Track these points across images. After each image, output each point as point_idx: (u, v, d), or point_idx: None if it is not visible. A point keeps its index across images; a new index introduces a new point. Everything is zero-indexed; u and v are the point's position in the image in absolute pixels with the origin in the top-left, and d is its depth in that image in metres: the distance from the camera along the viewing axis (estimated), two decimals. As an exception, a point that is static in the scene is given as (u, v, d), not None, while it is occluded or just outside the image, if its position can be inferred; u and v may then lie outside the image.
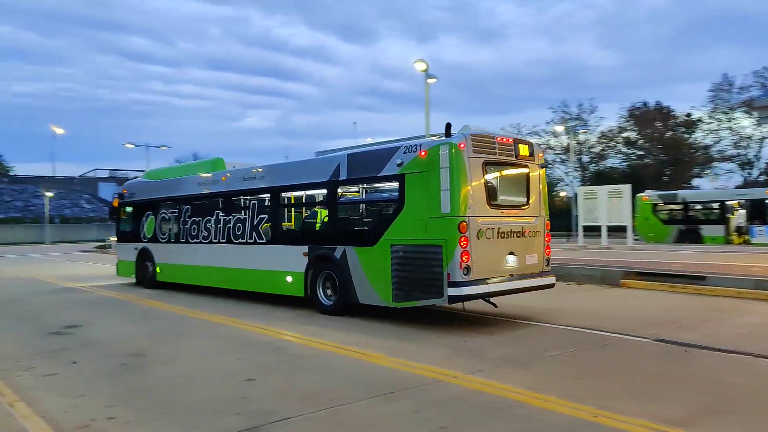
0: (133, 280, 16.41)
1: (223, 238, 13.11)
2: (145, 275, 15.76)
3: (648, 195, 32.78)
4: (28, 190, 64.74)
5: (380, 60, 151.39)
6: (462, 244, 8.38)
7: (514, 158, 9.42)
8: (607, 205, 23.84)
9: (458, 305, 9.70)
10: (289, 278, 11.25)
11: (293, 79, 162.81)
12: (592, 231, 27.02)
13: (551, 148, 60.69)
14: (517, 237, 9.27)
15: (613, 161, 61.06)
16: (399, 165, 9.28)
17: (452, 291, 8.37)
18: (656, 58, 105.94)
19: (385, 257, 9.31)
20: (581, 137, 57.60)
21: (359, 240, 10.05)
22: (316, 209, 11.59)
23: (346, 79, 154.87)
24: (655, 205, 32.08)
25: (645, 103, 59.02)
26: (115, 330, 9.43)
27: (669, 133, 57.81)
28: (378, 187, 10.40)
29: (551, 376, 6.21)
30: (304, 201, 12.00)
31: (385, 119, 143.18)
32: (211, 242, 13.47)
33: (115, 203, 17.57)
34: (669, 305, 11.23)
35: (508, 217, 9.19)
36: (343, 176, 10.37)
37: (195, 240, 14.02)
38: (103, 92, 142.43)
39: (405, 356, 7.14)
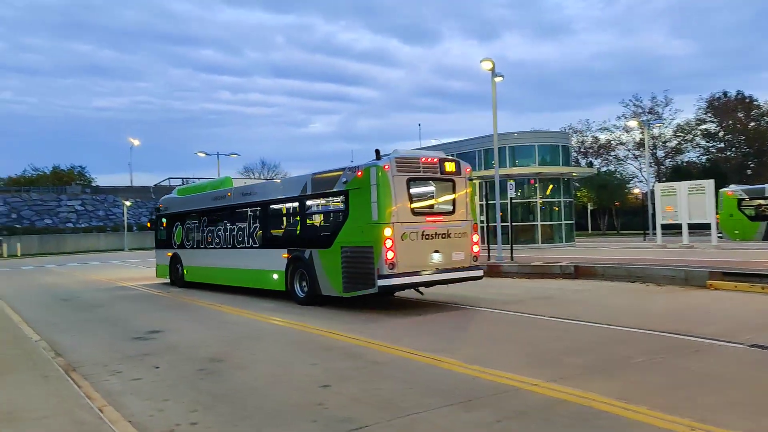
0: (168, 280, 19.43)
1: (229, 244, 15.81)
2: (176, 276, 18.80)
3: (733, 190, 31.01)
4: (109, 200, 68.23)
5: (443, 60, 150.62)
6: (387, 245, 10.57)
7: (439, 174, 11.63)
8: (688, 202, 22.68)
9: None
10: (275, 276, 13.71)
11: (355, 84, 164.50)
12: (671, 229, 25.79)
13: (623, 144, 58.56)
14: (442, 238, 11.36)
15: (691, 155, 58.26)
16: (345, 182, 11.61)
17: (381, 282, 10.58)
18: (735, 45, 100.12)
19: (337, 257, 11.63)
20: (655, 131, 55.25)
21: (320, 243, 12.30)
22: (292, 218, 13.99)
23: (409, 81, 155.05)
24: (741, 200, 30.30)
25: (725, 93, 56.03)
26: (193, 335, 9.72)
27: (752, 124, 54.62)
28: (332, 200, 12.67)
29: (640, 385, 5.89)
30: (283, 212, 14.42)
31: (449, 120, 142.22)
32: (221, 247, 16.16)
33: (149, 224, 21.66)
34: (762, 308, 10.51)
35: (433, 222, 11.36)
36: (308, 191, 12.90)
37: (210, 246, 16.77)
38: (177, 104, 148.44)
39: (481, 362, 6.98)
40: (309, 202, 13.17)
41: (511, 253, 20.58)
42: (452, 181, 11.84)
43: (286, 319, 10.55)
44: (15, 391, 6.10)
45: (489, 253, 21.27)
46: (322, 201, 13.12)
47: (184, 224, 18.41)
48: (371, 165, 11.06)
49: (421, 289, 11.94)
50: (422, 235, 11.12)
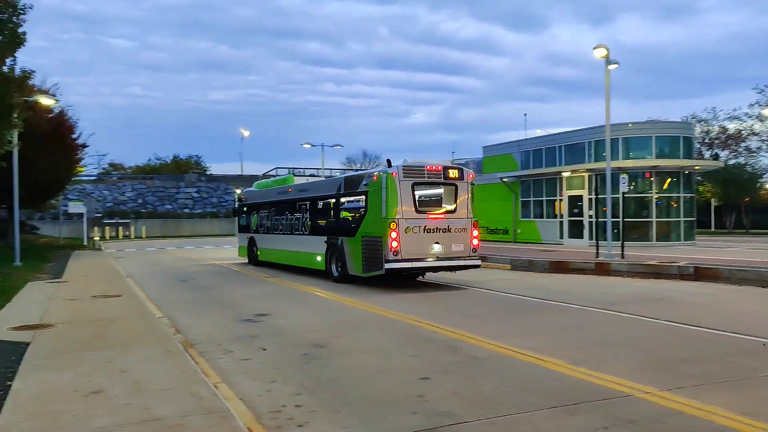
0: (246, 260, 23.49)
1: (288, 231, 19.43)
2: (252, 256, 22.74)
3: None
4: (221, 187, 72.41)
5: (550, 47, 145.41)
6: (392, 236, 13.37)
7: (442, 179, 14.23)
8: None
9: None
10: (318, 258, 16.91)
11: (459, 73, 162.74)
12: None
13: (755, 134, 53.77)
14: (443, 232, 14.00)
15: (838, 147, 52.38)
16: (365, 185, 14.59)
17: (387, 266, 13.39)
18: None
19: (359, 244, 14.53)
20: (794, 120, 50.21)
21: (348, 233, 15.23)
22: (330, 211, 16.77)
23: (514, 70, 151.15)
24: None
25: None
26: (300, 321, 10.14)
27: None
28: (356, 198, 15.30)
29: None
30: (325, 206, 17.23)
31: (556, 109, 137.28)
32: (283, 233, 19.88)
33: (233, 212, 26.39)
34: None
35: (435, 219, 13.97)
36: (342, 190, 16.06)
37: (276, 232, 20.54)
38: (284, 96, 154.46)
39: (588, 365, 6.75)
40: (342, 199, 16.15)
41: (622, 250, 19.62)
42: (455, 185, 14.48)
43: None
44: (142, 364, 6.68)
45: (597, 250, 20.39)
46: (350, 198, 15.81)
47: (258, 213, 22.25)
48: (383, 171, 14.00)
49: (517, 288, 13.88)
50: (424, 229, 13.87)
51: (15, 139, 19.45)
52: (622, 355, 7.35)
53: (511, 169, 34.24)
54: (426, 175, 14.18)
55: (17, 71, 16.94)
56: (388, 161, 14.40)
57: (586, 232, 28.20)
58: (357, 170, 20.93)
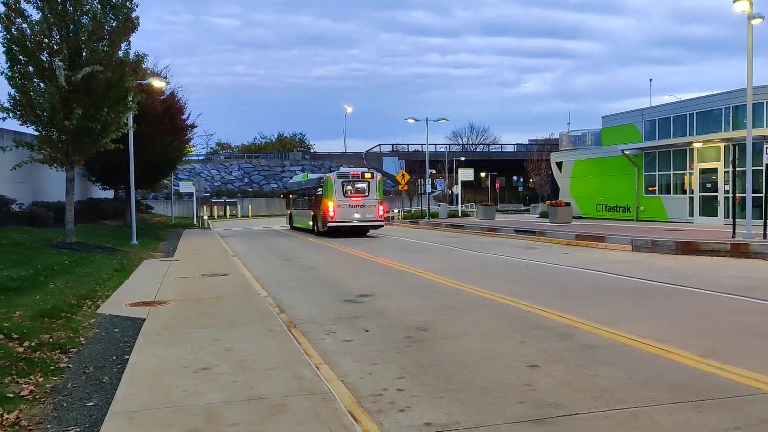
0: (287, 227, 36.22)
1: (299, 208, 33.18)
2: (291, 224, 35.42)
3: None
4: (326, 165, 74.43)
5: (681, 3, 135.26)
6: (331, 208, 26.38)
7: (360, 178, 27.36)
8: None
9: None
10: (310, 222, 29.42)
11: (574, 37, 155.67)
12: None
13: None
14: (360, 207, 26.71)
15: None
16: (322, 182, 27.57)
17: (328, 224, 26.43)
18: None
19: (320, 214, 27.63)
20: None
21: (317, 208, 28.35)
22: (312, 197, 29.81)
23: (638, 31, 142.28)
24: None
25: None
26: (400, 302, 10.30)
27: None
28: (319, 190, 28.05)
29: None
30: (309, 194, 30.50)
31: (686, 72, 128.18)
32: (296, 209, 33.92)
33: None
34: None
35: (355, 200, 26.79)
36: (315, 185, 29.26)
37: (295, 208, 34.40)
38: (386, 69, 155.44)
39: (718, 357, 6.33)
40: (315, 190, 28.93)
41: (765, 229, 18.09)
42: (368, 182, 27.33)
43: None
44: (247, 343, 7.09)
45: (734, 229, 18.88)
46: (318, 190, 28.38)
47: (290, 198, 36.42)
48: (327, 176, 27.40)
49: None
50: (349, 205, 26.55)
51: (130, 122, 21.08)
52: (759, 348, 6.83)
53: (634, 140, 32.48)
54: (351, 177, 27.65)
55: (131, 55, 18.28)
56: (330, 169, 30.58)
57: (720, 209, 26.30)
58: (363, 168, 36.39)
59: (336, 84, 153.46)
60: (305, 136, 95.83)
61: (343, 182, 27.01)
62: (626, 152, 31.37)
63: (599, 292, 11.03)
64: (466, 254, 18.94)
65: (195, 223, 41.76)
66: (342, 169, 29.73)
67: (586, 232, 22.25)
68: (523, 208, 65.84)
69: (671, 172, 29.43)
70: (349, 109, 74.25)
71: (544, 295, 10.69)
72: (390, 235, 28.41)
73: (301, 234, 30.45)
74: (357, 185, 27.19)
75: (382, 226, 28.15)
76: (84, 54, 17.12)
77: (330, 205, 26.44)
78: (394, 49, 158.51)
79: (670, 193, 29.58)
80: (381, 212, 27.32)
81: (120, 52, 17.93)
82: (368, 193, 27.09)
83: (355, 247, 21.62)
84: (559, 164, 38.78)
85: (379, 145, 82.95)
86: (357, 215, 26.76)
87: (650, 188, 30.81)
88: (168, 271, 14.39)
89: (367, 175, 27.76)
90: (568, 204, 31.60)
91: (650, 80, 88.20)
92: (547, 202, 35.87)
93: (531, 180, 64.58)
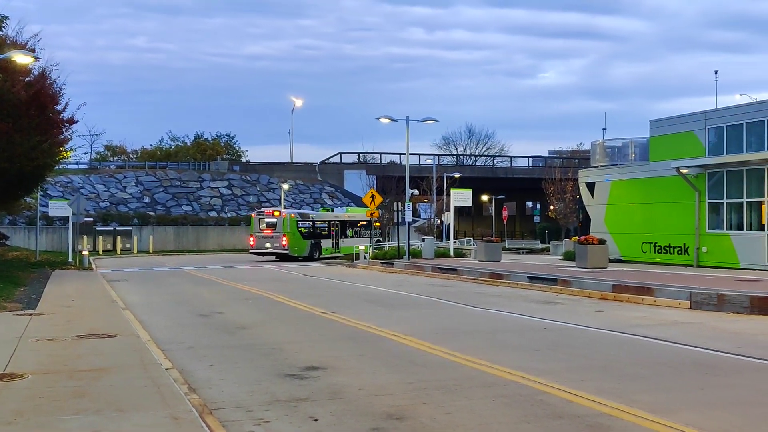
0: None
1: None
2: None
3: None
4: (262, 180, 74.43)
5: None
6: (251, 240, 53.16)
7: (272, 217, 52.29)
8: None
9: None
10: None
11: (611, 12, 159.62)
12: None
13: None
14: (270, 238, 51.26)
15: None
16: (261, 218, 53.41)
17: (251, 251, 53.80)
18: None
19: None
20: None
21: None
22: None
23: (695, 6, 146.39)
24: None
25: None
26: (365, 378, 10.20)
27: None
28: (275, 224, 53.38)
29: None
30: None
31: (764, 63, 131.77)
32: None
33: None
34: None
35: (268, 233, 51.71)
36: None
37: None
38: (351, 48, 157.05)
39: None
40: (315, 222, 55.81)
41: None
42: (276, 219, 50.71)
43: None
44: (138, 436, 6.92)
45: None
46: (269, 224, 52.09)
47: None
48: (251, 216, 55.46)
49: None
50: (263, 237, 50.80)
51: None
52: None
53: (694, 154, 32.96)
54: (265, 215, 51.30)
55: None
56: (254, 209, 59.85)
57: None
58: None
59: (279, 67, 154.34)
60: (234, 139, 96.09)
61: (259, 219, 50.81)
62: (683, 171, 31.88)
63: (645, 366, 11.09)
64: (461, 311, 18.99)
65: (71, 260, 41.18)
66: (260, 210, 55.22)
67: (628, 282, 22.44)
68: (540, 245, 66.47)
69: (744, 200, 30.00)
70: (298, 103, 74.70)
71: (569, 370, 10.73)
72: (353, 282, 28.35)
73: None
74: (269, 220, 50.27)
75: (286, 253, 49.50)
76: None
77: (251, 237, 51.53)
78: (362, 21, 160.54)
79: (742, 229, 30.09)
80: (284, 242, 49.00)
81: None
82: (276, 227, 49.59)
83: (305, 300, 21.53)
84: (591, 186, 39.24)
85: (340, 153, 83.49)
86: (268, 244, 49.70)
87: (715, 222, 31.35)
88: (27, 331, 14.11)
89: (276, 213, 50.99)
90: (602, 242, 31.85)
91: (715, 73, 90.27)
92: (573, 239, 36.30)
93: (551, 207, 65.46)
